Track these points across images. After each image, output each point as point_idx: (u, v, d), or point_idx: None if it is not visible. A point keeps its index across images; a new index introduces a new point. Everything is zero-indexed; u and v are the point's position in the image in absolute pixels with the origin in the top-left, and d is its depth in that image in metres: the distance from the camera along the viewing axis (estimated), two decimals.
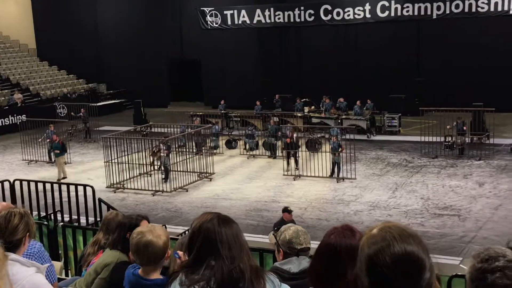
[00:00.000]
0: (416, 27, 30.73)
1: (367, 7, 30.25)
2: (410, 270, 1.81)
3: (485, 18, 28.54)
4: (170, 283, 2.84)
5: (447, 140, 22.85)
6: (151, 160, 21.93)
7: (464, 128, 22.93)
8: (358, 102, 27.62)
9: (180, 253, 3.30)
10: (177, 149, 22.54)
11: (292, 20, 32.54)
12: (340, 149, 20.34)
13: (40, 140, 24.38)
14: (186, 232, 11.79)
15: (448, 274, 6.39)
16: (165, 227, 12.40)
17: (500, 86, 28.47)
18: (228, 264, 2.72)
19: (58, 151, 21.76)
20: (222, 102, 30.49)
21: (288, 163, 21.32)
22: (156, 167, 22.01)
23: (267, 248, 7.26)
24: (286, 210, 13.16)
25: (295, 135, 21.94)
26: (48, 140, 24.05)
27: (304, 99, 29.36)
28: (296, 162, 21.50)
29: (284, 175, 20.87)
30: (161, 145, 20.88)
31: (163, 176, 20.84)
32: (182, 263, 2.95)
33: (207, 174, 21.42)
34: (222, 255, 2.74)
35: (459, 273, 6.36)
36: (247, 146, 24.86)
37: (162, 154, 20.79)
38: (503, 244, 2.14)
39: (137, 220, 4.76)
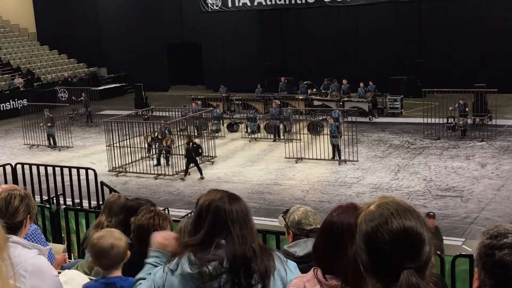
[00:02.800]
0: (417, 8, 30.49)
1: None
2: (410, 246, 1.80)
3: None
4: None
5: (449, 122, 22.79)
6: (147, 145, 21.72)
7: (466, 109, 22.86)
8: (361, 84, 27.48)
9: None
10: (178, 133, 22.51)
11: (293, 2, 32.33)
12: (338, 133, 20.24)
13: (41, 124, 24.37)
14: (189, 215, 11.79)
15: (451, 255, 6.39)
16: (168, 210, 12.38)
17: (503, 67, 28.26)
18: (240, 244, 2.66)
19: None
20: (222, 86, 30.32)
21: (186, 173, 19.35)
22: (152, 151, 21.75)
23: (269, 230, 7.27)
24: (427, 215, 11.41)
25: (196, 140, 20.47)
26: (48, 124, 24.05)
27: (306, 82, 29.23)
28: (200, 171, 19.14)
29: (286, 157, 20.84)
30: (166, 131, 20.84)
31: (165, 160, 20.82)
32: (187, 242, 2.83)
33: (209, 158, 21.41)
34: (233, 235, 2.68)
35: (463, 253, 6.36)
36: (249, 129, 24.83)
37: (171, 138, 20.71)
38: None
39: (145, 205, 4.76)
